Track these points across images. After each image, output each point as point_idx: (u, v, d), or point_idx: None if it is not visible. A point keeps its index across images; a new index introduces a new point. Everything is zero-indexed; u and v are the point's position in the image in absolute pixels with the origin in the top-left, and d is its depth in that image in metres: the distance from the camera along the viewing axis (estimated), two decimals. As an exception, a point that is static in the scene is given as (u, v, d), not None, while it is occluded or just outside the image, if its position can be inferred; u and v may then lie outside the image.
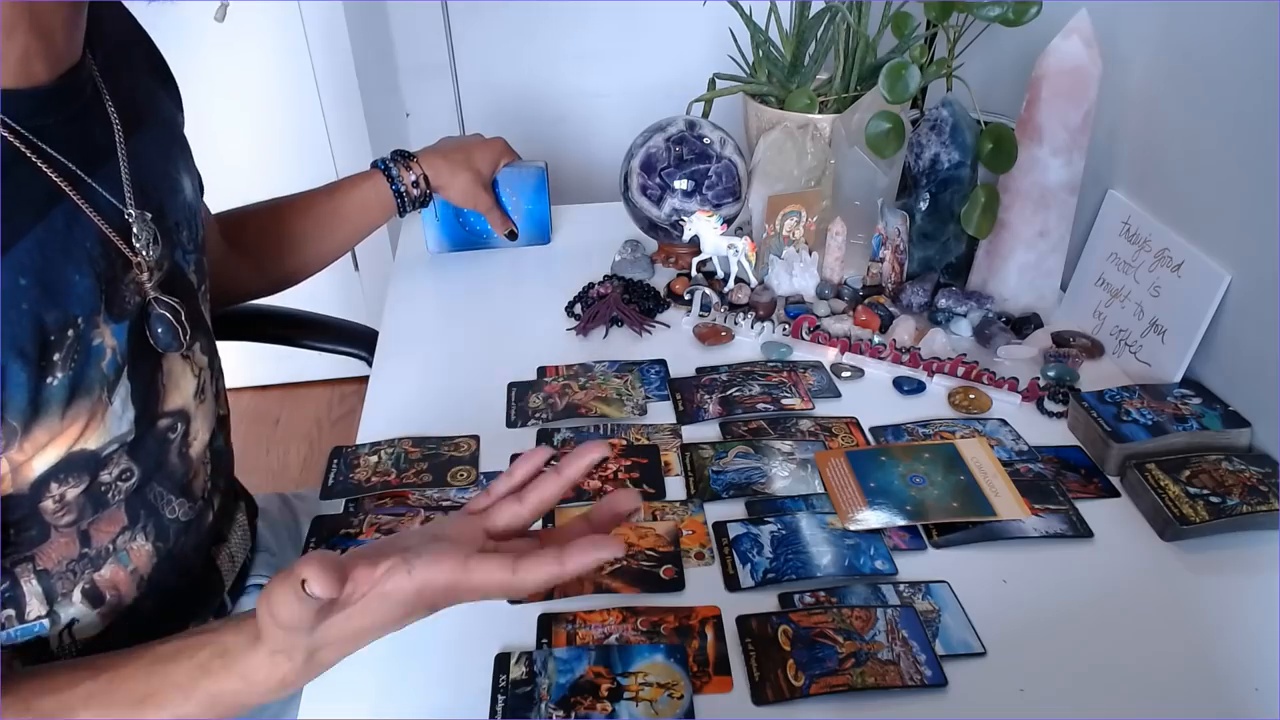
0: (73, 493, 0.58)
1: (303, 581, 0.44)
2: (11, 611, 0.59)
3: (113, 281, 0.58)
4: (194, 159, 0.75)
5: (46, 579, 0.59)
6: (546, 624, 0.67)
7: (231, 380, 0.86)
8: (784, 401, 0.90)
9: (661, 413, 0.90)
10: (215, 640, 0.51)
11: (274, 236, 0.98)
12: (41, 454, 0.55)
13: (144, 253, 0.61)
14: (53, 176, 0.55)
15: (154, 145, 0.67)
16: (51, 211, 0.55)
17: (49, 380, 0.53)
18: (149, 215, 0.62)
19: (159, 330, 0.62)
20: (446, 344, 1.03)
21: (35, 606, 0.60)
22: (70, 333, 0.54)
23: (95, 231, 0.57)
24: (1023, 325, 1.01)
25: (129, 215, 0.60)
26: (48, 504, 0.57)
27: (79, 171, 0.57)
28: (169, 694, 0.51)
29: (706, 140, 1.09)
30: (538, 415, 0.89)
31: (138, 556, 0.65)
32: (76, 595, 0.62)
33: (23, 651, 0.60)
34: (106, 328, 0.57)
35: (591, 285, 1.08)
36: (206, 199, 0.90)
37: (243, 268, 0.95)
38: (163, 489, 0.67)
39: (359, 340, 1.12)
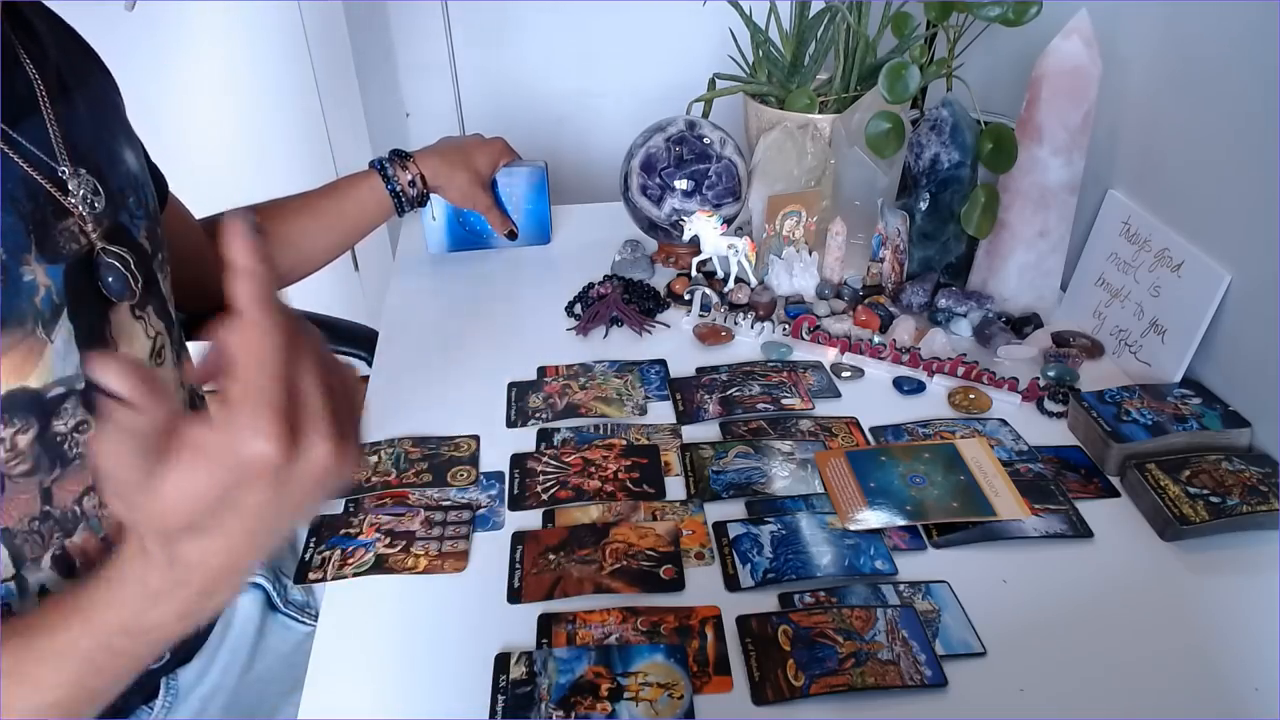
0: (23, 439, 0.58)
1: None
2: None
3: (42, 224, 0.60)
4: (141, 145, 0.77)
5: (10, 538, 0.60)
6: (546, 624, 0.67)
7: (231, 380, 0.86)
8: (784, 401, 0.89)
9: (661, 413, 0.90)
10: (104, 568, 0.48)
11: (270, 237, 0.98)
12: None
13: (80, 207, 0.63)
14: None
15: (87, 115, 0.69)
16: None
17: None
18: (84, 171, 0.64)
19: (109, 279, 0.64)
20: (446, 344, 1.03)
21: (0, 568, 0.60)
22: None
23: (19, 174, 0.60)
24: (1023, 325, 1.01)
25: (62, 172, 0.63)
26: None
27: None
28: (72, 630, 0.48)
29: (706, 140, 1.09)
30: (538, 415, 0.89)
31: (111, 524, 0.65)
32: (46, 561, 0.62)
33: None
34: (39, 266, 0.59)
35: (591, 285, 1.08)
36: (205, 200, 0.90)
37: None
38: None
39: (359, 340, 1.12)
